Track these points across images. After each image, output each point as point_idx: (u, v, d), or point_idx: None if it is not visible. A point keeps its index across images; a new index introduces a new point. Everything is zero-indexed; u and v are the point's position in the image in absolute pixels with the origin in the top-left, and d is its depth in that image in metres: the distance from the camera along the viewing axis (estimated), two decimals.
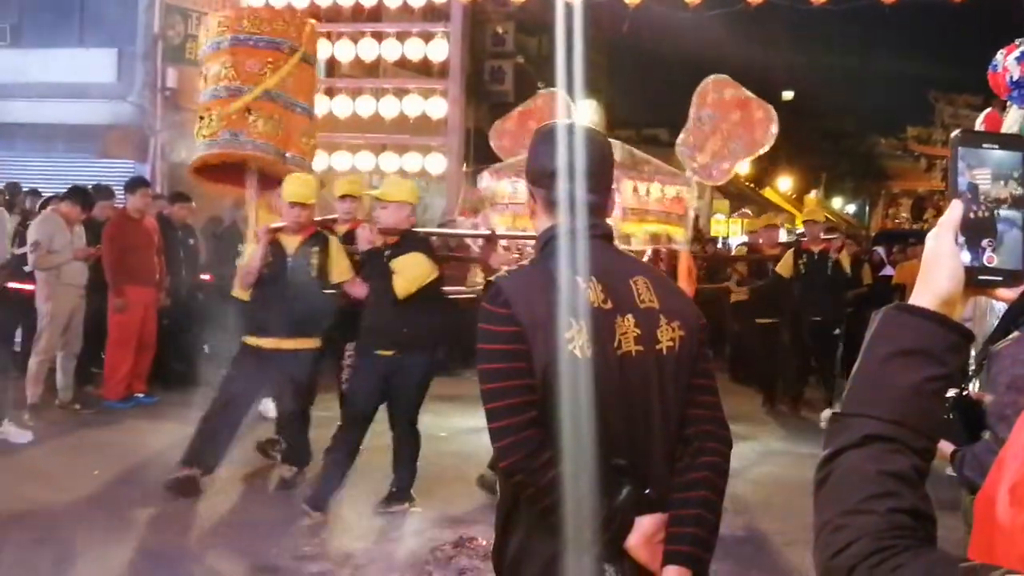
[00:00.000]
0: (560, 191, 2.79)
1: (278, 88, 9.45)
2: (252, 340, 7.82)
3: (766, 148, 11.02)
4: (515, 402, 2.62)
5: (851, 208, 59.63)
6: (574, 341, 2.62)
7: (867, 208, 57.17)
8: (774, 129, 10.71)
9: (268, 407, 9.38)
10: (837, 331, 12.40)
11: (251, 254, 7.84)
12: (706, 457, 2.77)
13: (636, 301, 2.74)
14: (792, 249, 12.48)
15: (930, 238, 1.47)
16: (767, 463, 9.53)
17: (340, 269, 7.88)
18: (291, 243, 7.80)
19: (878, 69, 64.00)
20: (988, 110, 7.25)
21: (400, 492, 7.45)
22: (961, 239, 1.44)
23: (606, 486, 2.64)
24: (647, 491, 2.70)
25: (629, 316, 2.71)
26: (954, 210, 1.45)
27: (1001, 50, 5.89)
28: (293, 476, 8.00)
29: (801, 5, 14.84)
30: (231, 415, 7.72)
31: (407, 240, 7.31)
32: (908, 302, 1.45)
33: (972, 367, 3.32)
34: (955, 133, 1.49)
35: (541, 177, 2.84)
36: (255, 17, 9.88)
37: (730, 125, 10.73)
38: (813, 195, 49.00)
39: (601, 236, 2.83)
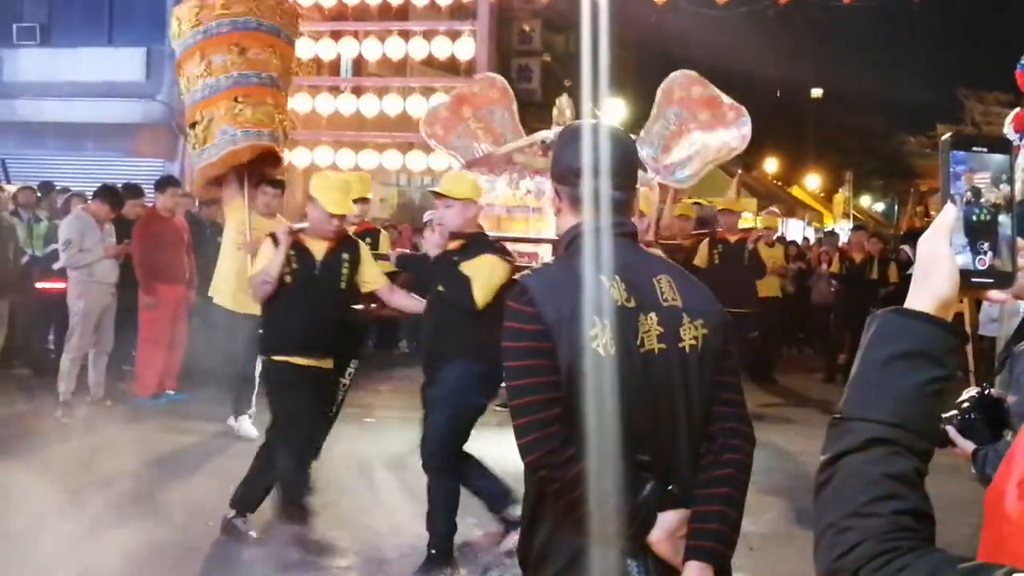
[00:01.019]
0: (586, 189, 2.81)
1: (272, 71, 9.07)
2: (300, 359, 6.62)
3: (738, 152, 10.51)
4: (540, 399, 2.65)
5: (880, 207, 59.36)
6: (598, 339, 2.64)
7: (895, 206, 56.85)
8: (746, 131, 10.14)
9: (245, 428, 9.43)
10: (752, 320, 11.70)
11: (269, 259, 6.66)
12: (730, 454, 2.79)
13: (659, 299, 2.76)
14: (707, 239, 12.00)
15: (923, 242, 1.48)
16: None
17: (373, 276, 6.94)
18: (318, 248, 6.74)
19: (907, 66, 63.53)
20: (1017, 109, 7.20)
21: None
22: (955, 242, 1.45)
23: (630, 482, 2.67)
24: (670, 487, 2.72)
25: (652, 314, 2.73)
26: (947, 213, 1.46)
27: None
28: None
29: (830, 2, 14.80)
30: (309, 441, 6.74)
31: (476, 242, 6.36)
32: (904, 305, 1.46)
33: (996, 366, 3.33)
34: (945, 136, 1.51)
35: (567, 175, 2.87)
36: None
37: (698, 125, 10.25)
38: (841, 193, 48.74)
39: (625, 234, 2.85)
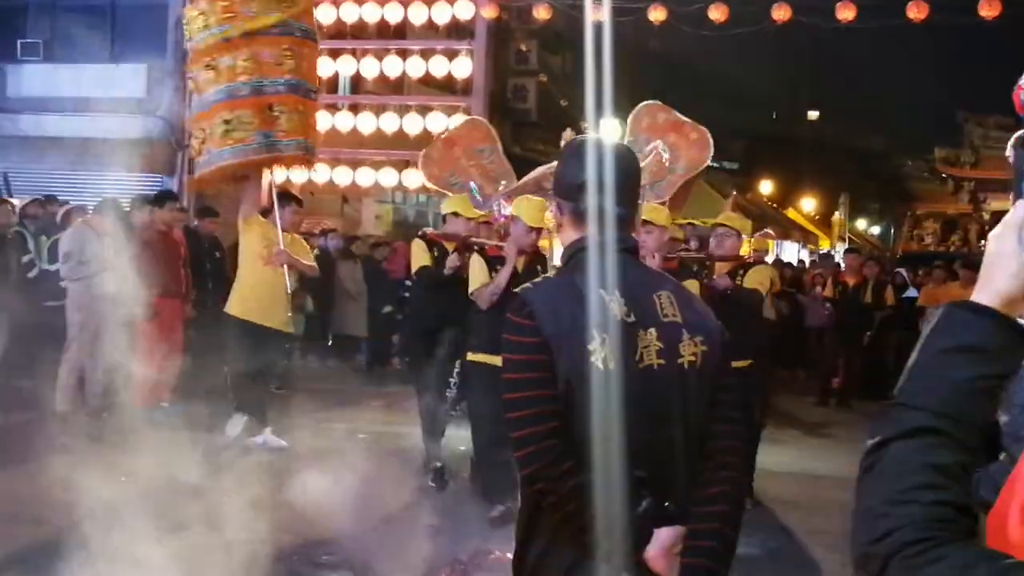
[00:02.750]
0: (588, 204, 2.82)
1: (298, 76, 9.01)
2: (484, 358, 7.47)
3: (706, 165, 10.99)
4: (538, 411, 2.66)
5: (876, 229, 59.35)
6: (597, 353, 2.65)
7: (892, 230, 56.85)
8: (710, 150, 10.75)
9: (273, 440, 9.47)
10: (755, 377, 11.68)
11: (501, 273, 7.64)
12: (727, 472, 2.79)
13: (659, 315, 2.77)
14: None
15: (992, 238, 1.49)
16: None
17: None
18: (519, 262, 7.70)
19: (906, 89, 63.64)
20: (1020, 132, 7.21)
21: None
22: None
23: (626, 497, 2.66)
24: (667, 503, 2.71)
25: (652, 330, 2.74)
26: (1018, 211, 1.47)
27: None
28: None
29: (828, 24, 14.86)
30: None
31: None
32: (968, 299, 1.46)
33: None
34: (1019, 134, 1.53)
35: (570, 190, 2.88)
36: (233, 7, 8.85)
37: (667, 146, 10.71)
38: (836, 216, 48.78)
39: (627, 250, 2.86)
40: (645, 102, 11.01)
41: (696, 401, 2.78)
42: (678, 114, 10.84)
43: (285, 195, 9.49)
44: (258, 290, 9.39)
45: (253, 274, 9.43)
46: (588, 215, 2.83)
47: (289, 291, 9.31)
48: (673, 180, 10.73)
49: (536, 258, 7.83)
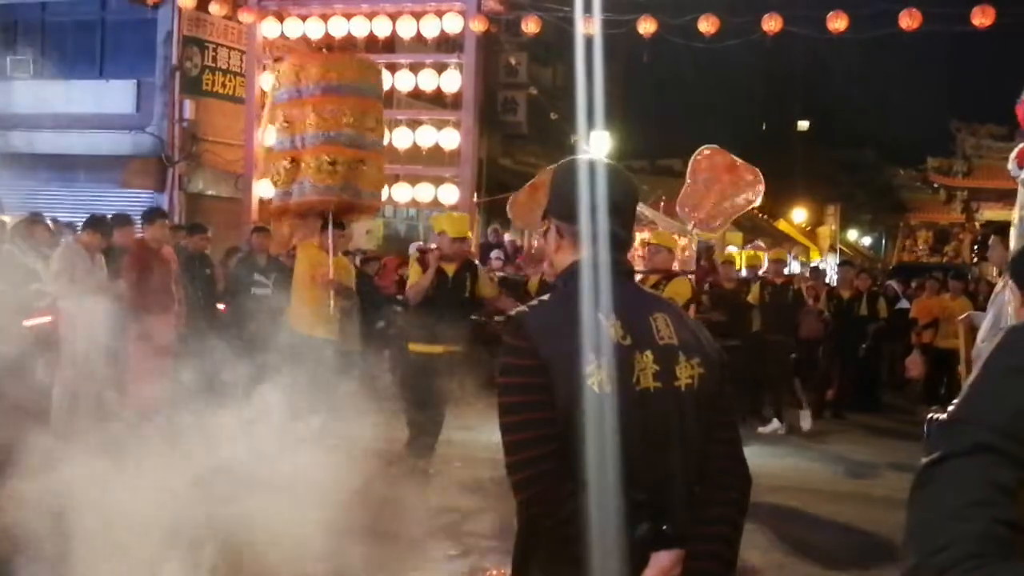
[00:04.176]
0: (583, 226, 2.79)
1: (364, 132, 10.01)
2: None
3: (756, 204, 13.17)
4: (534, 435, 2.63)
5: (867, 240, 59.46)
6: (593, 376, 2.61)
7: (884, 240, 56.94)
8: (761, 188, 12.67)
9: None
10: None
11: (427, 277, 9.52)
12: (725, 494, 2.77)
13: (655, 337, 2.74)
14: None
15: None
16: None
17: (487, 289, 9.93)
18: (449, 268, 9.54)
19: (898, 99, 63.85)
20: (1021, 145, 7.15)
21: None
22: None
23: (624, 521, 2.62)
24: (665, 526, 2.68)
25: (648, 352, 2.71)
26: None
27: None
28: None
29: (819, 34, 14.85)
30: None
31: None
32: None
33: None
34: None
35: (564, 211, 2.85)
36: (336, 64, 10.27)
37: (723, 186, 12.67)
38: (826, 227, 48.89)
39: (622, 272, 2.84)
40: (704, 146, 12.74)
41: (694, 424, 2.75)
42: (733, 156, 12.63)
43: (333, 222, 10.23)
44: (307, 306, 10.29)
45: (303, 292, 10.37)
46: (582, 237, 2.80)
47: (332, 309, 10.25)
48: (727, 214, 12.86)
49: (464, 264, 9.70)
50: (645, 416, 2.67)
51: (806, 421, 13.10)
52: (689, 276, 11.12)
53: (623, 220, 2.84)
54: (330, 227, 10.03)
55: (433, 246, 10.03)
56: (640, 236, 13.40)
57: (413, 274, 9.90)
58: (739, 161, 12.64)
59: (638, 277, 9.94)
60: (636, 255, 13.15)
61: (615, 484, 2.61)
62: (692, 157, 12.49)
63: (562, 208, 2.87)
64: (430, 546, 7.34)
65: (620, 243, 2.83)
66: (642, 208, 14.39)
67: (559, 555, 2.68)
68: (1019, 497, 1.34)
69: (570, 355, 2.63)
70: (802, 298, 13.87)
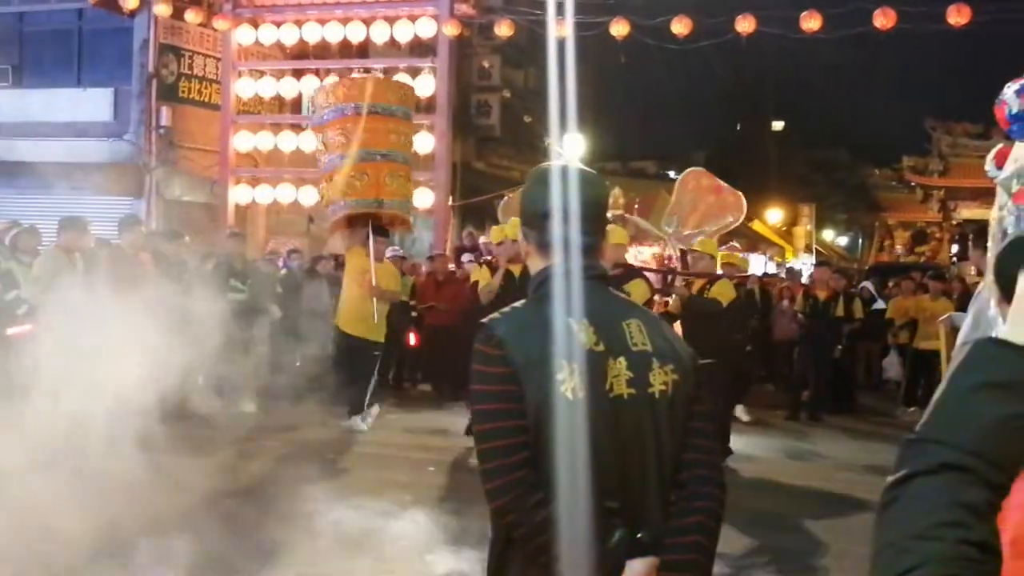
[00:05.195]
0: (553, 233, 2.78)
1: (403, 150, 11.52)
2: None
3: (737, 224, 14.48)
4: (507, 443, 2.61)
5: (843, 240, 59.52)
6: (566, 383, 2.60)
7: (859, 240, 56.97)
8: (743, 210, 14.18)
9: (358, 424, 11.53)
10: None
11: (496, 278, 10.79)
12: (700, 502, 2.75)
13: (629, 344, 2.73)
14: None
15: None
16: None
17: None
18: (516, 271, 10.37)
19: (873, 98, 63.97)
20: (999, 146, 7.17)
21: None
22: None
23: (598, 528, 2.61)
24: (640, 535, 2.66)
25: (621, 359, 2.70)
26: None
27: (1009, 83, 5.75)
28: None
29: (792, 34, 14.91)
30: None
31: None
32: (1002, 336, 1.41)
33: None
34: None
35: (534, 218, 2.84)
36: (382, 87, 11.62)
37: (707, 206, 14.00)
38: (801, 227, 48.92)
39: (595, 277, 2.82)
40: (691, 168, 14.13)
41: (668, 430, 2.74)
42: (718, 179, 14.00)
43: (377, 229, 11.50)
44: (351, 309, 11.62)
45: (349, 295, 11.67)
46: (553, 244, 2.80)
47: (375, 313, 11.45)
48: (709, 233, 13.58)
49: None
50: (618, 423, 2.66)
51: (744, 414, 13.53)
52: (734, 279, 11.04)
53: (590, 225, 2.83)
54: (369, 235, 11.25)
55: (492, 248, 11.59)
56: (670, 247, 14.77)
57: (483, 277, 11.28)
58: (724, 184, 13.91)
59: (680, 280, 11.33)
60: (675, 261, 14.31)
61: (588, 491, 2.60)
62: (679, 178, 13.75)
63: (530, 217, 2.88)
64: (405, 545, 7.32)
65: (588, 248, 2.81)
66: (636, 219, 15.58)
67: (533, 563, 2.66)
68: (988, 517, 1.32)
69: (542, 362, 2.62)
70: (754, 299, 14.90)
